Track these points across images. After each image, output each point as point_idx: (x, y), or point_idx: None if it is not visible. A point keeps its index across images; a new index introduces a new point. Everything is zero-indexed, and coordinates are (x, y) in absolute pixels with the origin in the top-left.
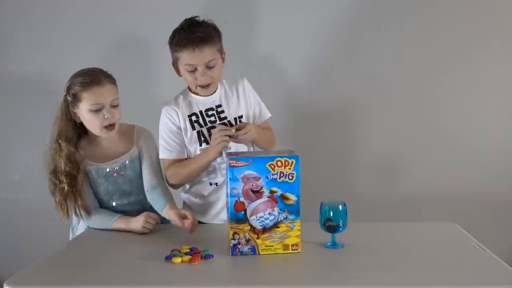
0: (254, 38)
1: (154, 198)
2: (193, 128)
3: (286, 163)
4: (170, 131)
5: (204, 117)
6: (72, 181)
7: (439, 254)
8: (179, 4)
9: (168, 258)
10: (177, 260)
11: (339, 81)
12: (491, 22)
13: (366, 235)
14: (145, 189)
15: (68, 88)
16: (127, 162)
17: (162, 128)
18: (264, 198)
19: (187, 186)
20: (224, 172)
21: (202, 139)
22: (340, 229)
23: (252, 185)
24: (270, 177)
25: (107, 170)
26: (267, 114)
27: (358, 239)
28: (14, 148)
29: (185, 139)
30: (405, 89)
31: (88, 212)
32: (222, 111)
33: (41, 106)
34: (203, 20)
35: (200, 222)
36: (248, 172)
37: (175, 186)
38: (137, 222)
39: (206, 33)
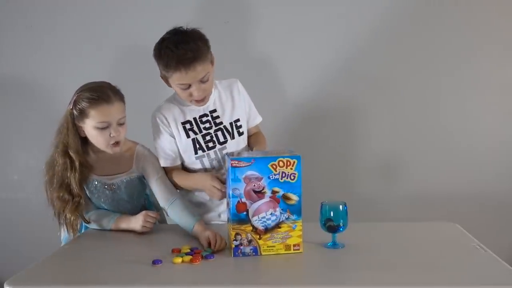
0: (254, 38)
1: (177, 215)
2: (188, 136)
3: (288, 163)
4: (164, 138)
5: (198, 124)
6: (84, 193)
7: (439, 254)
8: (179, 4)
9: (156, 263)
10: (178, 260)
11: (339, 81)
12: (491, 22)
13: (367, 235)
14: (163, 207)
15: (75, 102)
16: (124, 181)
17: (155, 135)
18: (266, 199)
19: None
20: (222, 171)
21: (197, 146)
22: (341, 229)
23: (254, 185)
24: (272, 177)
25: (101, 184)
26: (258, 119)
27: (359, 239)
28: (14, 148)
29: (179, 146)
30: (405, 89)
31: (88, 217)
32: (217, 117)
33: (41, 106)
34: (189, 31)
35: None
36: (250, 172)
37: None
38: (137, 222)
39: (196, 50)
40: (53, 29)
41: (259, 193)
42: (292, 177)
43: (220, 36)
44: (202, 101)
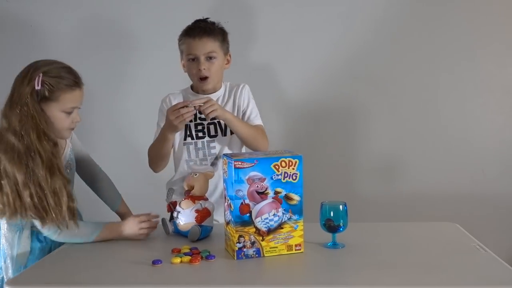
0: (254, 38)
1: (104, 189)
2: None
3: (290, 163)
4: (160, 120)
5: (197, 112)
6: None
7: (439, 254)
8: (180, 4)
9: (156, 263)
10: (177, 260)
11: (340, 81)
12: (492, 22)
13: (367, 235)
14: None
15: (43, 82)
16: (70, 155)
17: (158, 115)
18: (269, 199)
19: (173, 178)
20: (204, 162)
21: (188, 133)
22: (341, 229)
23: (257, 186)
24: (275, 177)
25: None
26: (255, 121)
27: (359, 239)
28: None
29: None
30: (405, 89)
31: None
32: None
33: None
34: (212, 21)
35: None
36: (253, 173)
37: (155, 170)
38: (131, 229)
39: (207, 27)
40: (53, 28)
41: (262, 194)
42: (294, 177)
43: None
44: (204, 81)
